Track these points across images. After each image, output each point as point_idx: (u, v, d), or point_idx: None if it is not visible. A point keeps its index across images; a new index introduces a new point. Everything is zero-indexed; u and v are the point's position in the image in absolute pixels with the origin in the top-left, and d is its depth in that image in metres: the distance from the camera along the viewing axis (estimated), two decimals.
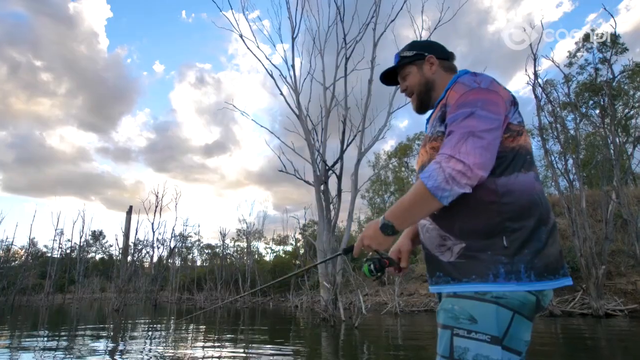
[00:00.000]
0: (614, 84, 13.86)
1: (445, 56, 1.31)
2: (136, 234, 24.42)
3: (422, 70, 1.30)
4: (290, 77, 10.20)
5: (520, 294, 0.97)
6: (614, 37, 13.58)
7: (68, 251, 29.80)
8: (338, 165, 9.62)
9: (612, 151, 11.14)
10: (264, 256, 27.10)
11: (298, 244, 24.23)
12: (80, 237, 28.22)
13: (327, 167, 9.49)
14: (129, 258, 21.23)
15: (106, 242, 42.94)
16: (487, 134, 1.01)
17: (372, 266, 1.19)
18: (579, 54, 17.25)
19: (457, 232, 1.06)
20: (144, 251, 24.19)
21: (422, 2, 9.29)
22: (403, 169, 26.06)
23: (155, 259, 25.55)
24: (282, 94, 9.93)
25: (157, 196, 21.40)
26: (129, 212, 26.09)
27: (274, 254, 26.59)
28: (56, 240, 34.07)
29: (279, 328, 8.63)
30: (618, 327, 7.21)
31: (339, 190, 8.99)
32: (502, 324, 0.95)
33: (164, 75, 58.77)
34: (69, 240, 36.89)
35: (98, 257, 41.02)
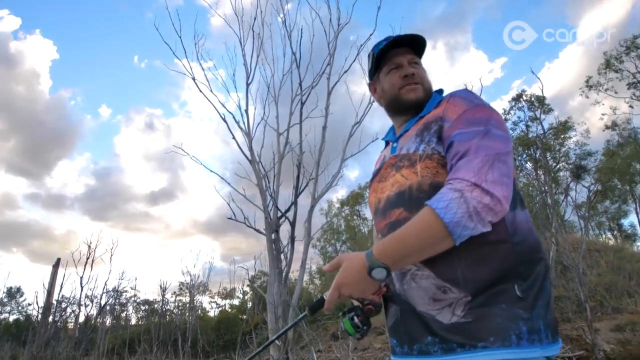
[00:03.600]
0: (543, 139, 15.18)
1: None
2: (61, 290, 21.78)
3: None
4: (244, 123, 10.03)
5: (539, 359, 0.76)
6: (542, 98, 15.03)
7: None
8: (291, 212, 9.30)
9: (549, 201, 11.88)
10: (207, 311, 25.28)
11: (246, 297, 22.94)
12: None
13: (280, 214, 9.12)
14: (50, 318, 18.77)
15: (24, 300, 38.05)
16: (509, 157, 0.84)
17: (355, 319, 0.87)
18: (512, 112, 18.93)
19: (462, 281, 0.81)
20: (68, 310, 21.56)
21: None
22: (355, 217, 26.26)
23: (81, 319, 22.82)
24: (234, 138, 9.63)
25: (89, 246, 19.51)
26: (56, 265, 23.32)
27: (219, 309, 24.91)
28: None
29: None
30: None
31: (292, 238, 8.61)
32: None
33: (110, 119, 56.54)
34: None
35: (12, 318, 36.05)
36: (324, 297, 0.88)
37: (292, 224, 9.43)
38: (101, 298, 22.65)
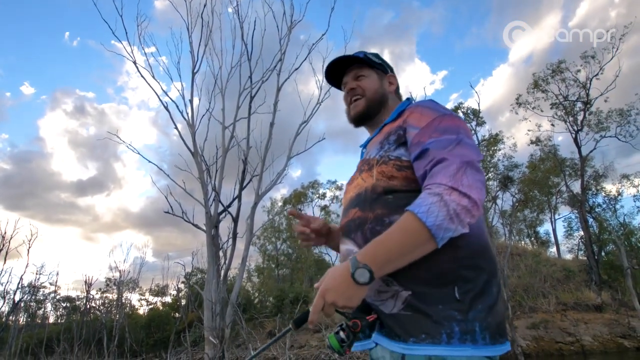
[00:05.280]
0: None
1: (398, 85, 1.25)
2: None
3: (381, 82, 1.19)
4: (187, 113, 9.62)
5: (475, 359, 0.80)
6: (477, 111, 16.07)
7: None
8: (234, 208, 9.09)
9: None
10: (137, 309, 23.90)
11: (180, 294, 22.03)
12: None
13: (223, 208, 8.88)
14: None
15: None
16: (480, 165, 0.88)
17: (341, 334, 0.83)
18: None
19: (402, 276, 0.85)
20: None
21: (323, 57, 9.74)
22: None
23: None
24: (176, 127, 9.20)
25: (3, 237, 17.65)
26: None
27: (150, 307, 23.69)
28: None
29: None
30: None
31: (234, 234, 8.43)
32: None
33: (33, 99, 50.93)
34: None
35: None
36: (309, 309, 0.85)
37: (235, 220, 9.21)
38: (15, 294, 20.67)
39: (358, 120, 1.19)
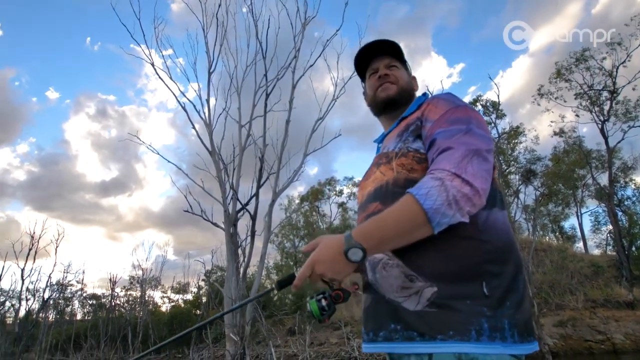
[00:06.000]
0: (497, 143, 15.89)
1: None
2: None
3: (409, 79, 1.23)
4: (204, 113, 9.69)
5: (505, 358, 0.78)
6: (497, 103, 15.67)
7: None
8: (252, 205, 9.12)
9: None
10: (160, 306, 24.40)
11: (201, 292, 22.37)
12: None
13: (241, 206, 8.91)
14: None
15: None
16: (489, 155, 0.87)
17: (322, 302, 0.85)
18: None
19: (428, 271, 0.84)
20: (7, 304, 20.12)
21: (337, 54, 9.65)
22: (314, 213, 26.32)
23: (22, 314, 21.35)
24: (194, 127, 9.27)
25: (32, 237, 18.20)
26: None
27: (172, 304, 24.14)
28: None
29: None
30: None
31: (253, 232, 8.45)
32: None
33: (59, 104, 52.34)
34: None
35: None
36: (295, 273, 0.86)
37: (253, 217, 9.23)
38: (44, 292, 21.36)
39: (386, 103, 1.17)
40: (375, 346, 0.88)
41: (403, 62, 1.23)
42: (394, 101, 1.16)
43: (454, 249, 0.84)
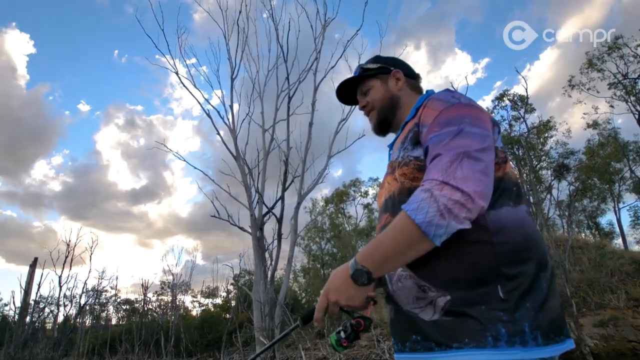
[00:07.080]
0: (527, 138, 15.39)
1: (412, 74, 1.20)
2: (38, 289, 21.07)
3: (387, 85, 1.17)
4: (228, 119, 9.82)
5: None
6: (525, 97, 15.21)
7: None
8: (278, 209, 9.15)
9: (531, 198, 12.03)
10: (190, 310, 24.89)
11: (230, 296, 22.65)
12: None
13: (267, 210, 8.96)
14: (27, 319, 18.21)
15: (0, 300, 36.83)
16: (483, 154, 0.83)
17: (341, 334, 0.88)
18: (495, 111, 19.15)
19: (440, 280, 0.84)
20: (46, 310, 20.96)
21: (358, 54, 9.60)
22: (340, 215, 26.20)
23: (60, 319, 22.20)
24: (219, 133, 9.40)
25: (68, 245, 18.92)
26: (33, 265, 22.67)
27: (202, 308, 24.57)
28: None
29: None
30: None
31: (279, 235, 8.47)
32: None
33: (90, 116, 54.48)
34: None
35: None
36: (314, 308, 0.90)
37: (279, 221, 9.27)
38: (81, 298, 22.10)
39: (379, 131, 1.19)
40: (404, 356, 0.89)
41: (376, 73, 1.17)
42: (382, 125, 1.17)
43: (464, 256, 0.83)
